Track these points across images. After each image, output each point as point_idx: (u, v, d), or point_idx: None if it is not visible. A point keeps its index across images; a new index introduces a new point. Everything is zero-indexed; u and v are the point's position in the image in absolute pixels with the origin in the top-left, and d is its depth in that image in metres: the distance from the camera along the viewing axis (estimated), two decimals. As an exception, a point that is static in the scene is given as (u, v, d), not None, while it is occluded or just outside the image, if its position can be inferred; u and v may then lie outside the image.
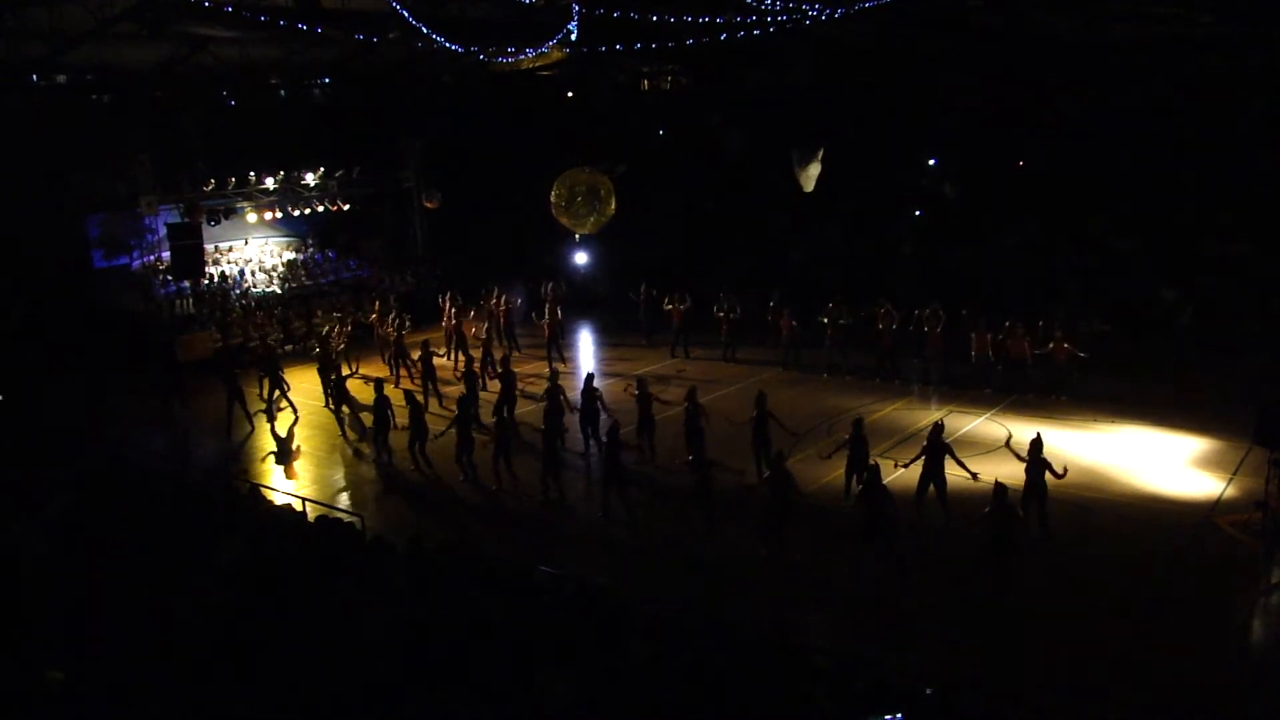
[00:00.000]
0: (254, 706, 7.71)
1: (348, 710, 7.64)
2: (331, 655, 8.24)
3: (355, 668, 8.07)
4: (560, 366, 24.14)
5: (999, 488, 12.83)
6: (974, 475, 15.39)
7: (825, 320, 23.85)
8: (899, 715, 7.29)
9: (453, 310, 26.00)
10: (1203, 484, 16.58)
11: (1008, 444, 16.66)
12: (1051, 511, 14.46)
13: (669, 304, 25.99)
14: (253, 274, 30.22)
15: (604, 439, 16.81)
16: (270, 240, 31.92)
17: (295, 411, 21.72)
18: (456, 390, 21.03)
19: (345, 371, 23.63)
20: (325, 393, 22.57)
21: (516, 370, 21.43)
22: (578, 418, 18.97)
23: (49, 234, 25.68)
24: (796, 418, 20.12)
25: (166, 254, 27.14)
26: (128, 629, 8.60)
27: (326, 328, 25.81)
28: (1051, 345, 21.22)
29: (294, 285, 30.52)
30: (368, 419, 20.24)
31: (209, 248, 28.87)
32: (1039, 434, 14.70)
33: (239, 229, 30.07)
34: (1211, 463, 17.45)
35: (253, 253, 31.33)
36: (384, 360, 25.22)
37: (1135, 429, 19.36)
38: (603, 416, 18.63)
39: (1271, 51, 23.04)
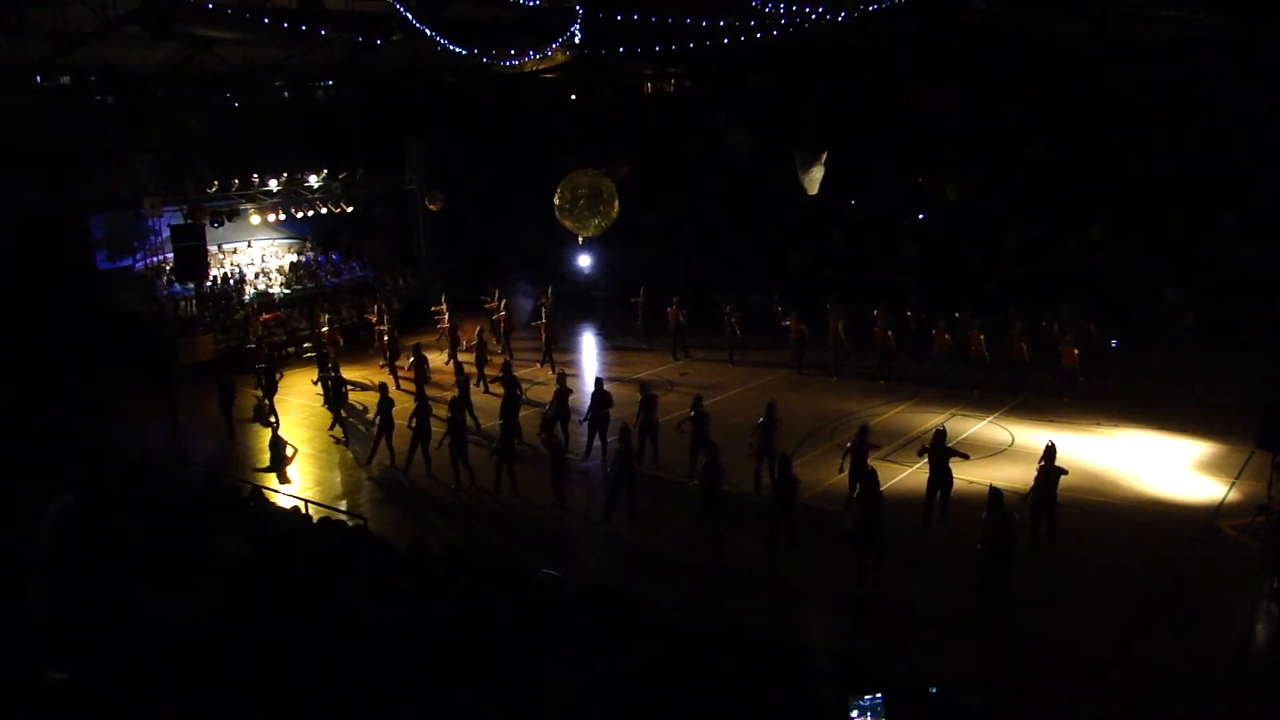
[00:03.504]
0: (257, 707, 7.71)
1: (351, 711, 7.64)
2: (335, 656, 8.24)
3: (359, 668, 8.06)
4: (540, 372, 24.10)
5: (994, 493, 12.79)
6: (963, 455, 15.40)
7: (827, 322, 23.90)
8: (879, 696, 7.30)
9: (447, 314, 26.01)
10: (1206, 488, 16.56)
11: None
12: (1055, 516, 14.37)
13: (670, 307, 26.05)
14: (255, 276, 30.24)
15: (616, 441, 16.72)
16: (273, 242, 31.92)
17: (275, 417, 21.66)
18: (450, 394, 20.91)
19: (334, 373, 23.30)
20: (324, 393, 22.64)
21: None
22: (585, 423, 18.94)
23: (53, 235, 25.67)
24: (801, 420, 20.18)
25: (170, 255, 27.17)
26: (130, 629, 8.59)
27: (324, 328, 25.92)
28: (1061, 348, 21.20)
29: (298, 287, 30.54)
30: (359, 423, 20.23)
31: (212, 249, 28.86)
32: (1052, 442, 14.47)
33: (242, 231, 30.07)
34: (1214, 466, 17.43)
35: (255, 255, 31.35)
36: (383, 362, 25.20)
37: (1138, 432, 19.35)
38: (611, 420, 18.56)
39: (1274, 52, 23.03)
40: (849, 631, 12.75)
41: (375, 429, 19.22)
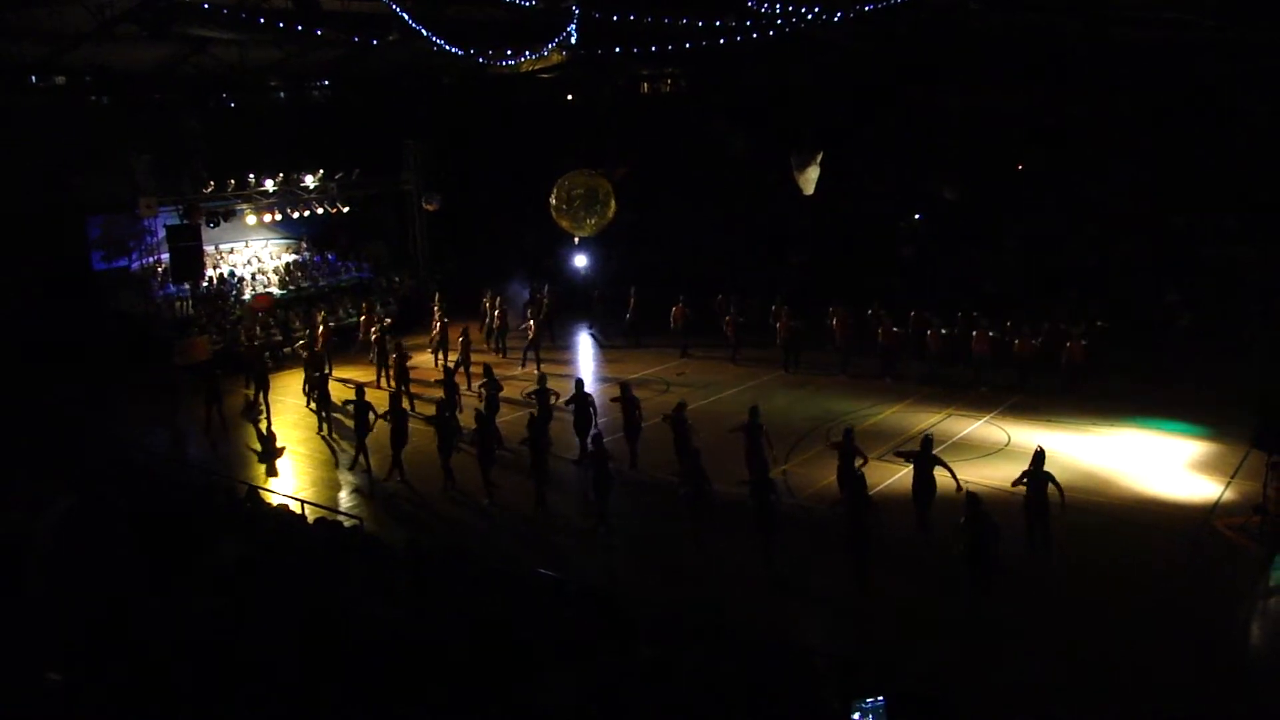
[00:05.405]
0: (254, 709, 7.70)
1: (349, 713, 7.64)
2: (332, 657, 8.24)
3: (355, 669, 8.06)
4: (518, 369, 24.32)
5: (971, 497, 12.80)
6: (960, 488, 14.66)
7: (834, 322, 23.95)
8: (881, 699, 7.35)
9: (440, 314, 26.00)
10: (1202, 487, 16.57)
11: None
12: (1051, 519, 14.31)
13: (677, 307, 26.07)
14: (252, 276, 30.19)
15: (590, 446, 16.71)
16: (270, 242, 31.89)
17: (268, 415, 21.64)
18: (436, 393, 20.77)
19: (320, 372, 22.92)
20: (306, 392, 22.58)
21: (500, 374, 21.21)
22: (571, 424, 18.88)
23: (49, 235, 25.65)
24: (798, 421, 20.19)
25: (166, 256, 27.10)
26: (128, 630, 8.59)
27: (319, 327, 25.90)
28: (1069, 345, 21.23)
29: (294, 288, 30.50)
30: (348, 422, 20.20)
31: (208, 249, 28.81)
32: (1041, 448, 14.43)
33: (238, 231, 30.01)
34: (1210, 466, 17.45)
35: (252, 255, 31.30)
36: (369, 361, 25.15)
37: (1134, 432, 19.36)
38: (594, 422, 18.45)
39: (1274, 56, 23.08)
40: (846, 633, 12.76)
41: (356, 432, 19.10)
